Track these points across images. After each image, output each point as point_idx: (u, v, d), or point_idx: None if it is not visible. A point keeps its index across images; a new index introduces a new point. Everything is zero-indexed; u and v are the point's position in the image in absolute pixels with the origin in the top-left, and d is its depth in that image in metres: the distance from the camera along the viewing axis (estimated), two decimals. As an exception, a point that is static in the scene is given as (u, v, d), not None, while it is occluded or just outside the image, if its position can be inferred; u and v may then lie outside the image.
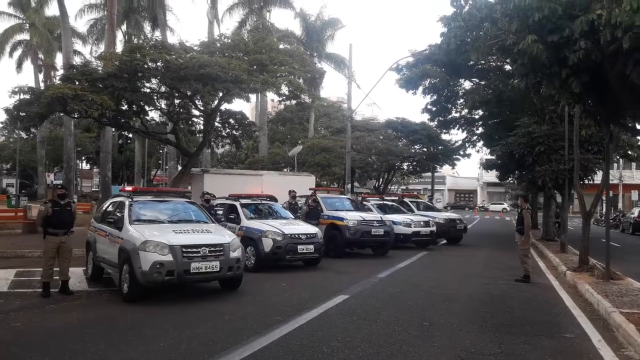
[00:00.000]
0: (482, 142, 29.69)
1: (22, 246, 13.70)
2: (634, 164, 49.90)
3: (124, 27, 36.76)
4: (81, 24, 75.88)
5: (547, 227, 21.85)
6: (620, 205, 48.71)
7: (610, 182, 11.72)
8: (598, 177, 17.93)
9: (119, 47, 27.15)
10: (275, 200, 13.82)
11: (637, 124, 10.80)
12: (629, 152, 23.35)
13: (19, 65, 45.22)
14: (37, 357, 5.22)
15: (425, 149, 38.06)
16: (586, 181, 17.87)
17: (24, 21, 42.15)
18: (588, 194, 14.54)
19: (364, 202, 17.77)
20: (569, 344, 6.17)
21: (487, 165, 28.13)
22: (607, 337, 6.45)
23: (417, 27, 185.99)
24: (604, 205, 23.44)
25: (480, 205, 70.52)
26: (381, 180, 40.39)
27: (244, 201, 12.91)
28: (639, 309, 7.54)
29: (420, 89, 23.81)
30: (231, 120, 22.01)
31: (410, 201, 20.69)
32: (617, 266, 11.50)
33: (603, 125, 10.39)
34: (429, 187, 50.65)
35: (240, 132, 22.44)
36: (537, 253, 16.67)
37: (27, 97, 17.28)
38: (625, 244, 21.42)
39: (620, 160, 35.47)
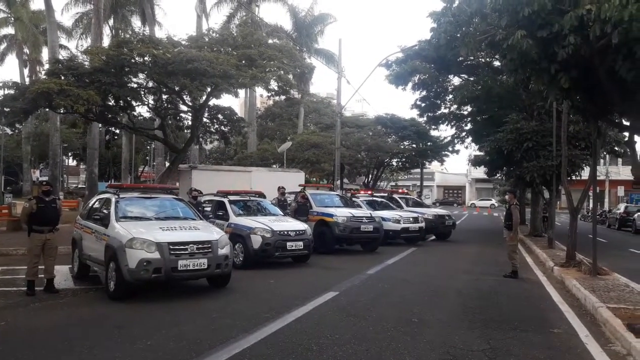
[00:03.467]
0: (470, 138, 29.80)
1: (6, 244, 13.49)
2: (620, 160, 50.39)
3: (111, 22, 36.31)
4: (67, 18, 75.12)
5: (535, 222, 22.01)
6: (606, 200, 49.20)
7: (597, 178, 11.77)
8: (585, 173, 18.05)
9: (106, 42, 26.83)
10: (264, 196, 13.75)
11: (624, 120, 10.87)
12: (616, 148, 23.56)
13: (2, 59, 44.62)
14: (21, 356, 5.12)
15: (414, 145, 38.16)
16: (573, 177, 18.01)
17: (10, 15, 41.50)
18: (575, 190, 14.65)
19: (353, 199, 17.75)
20: (557, 339, 6.19)
21: (475, 162, 28.31)
22: (595, 332, 6.48)
23: (406, 22, 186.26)
24: (591, 201, 23.66)
25: (471, 203, 70.82)
26: (370, 176, 40.41)
27: (232, 198, 12.82)
28: (625, 304, 7.60)
29: (410, 84, 23.85)
30: (220, 116, 21.88)
31: (399, 197, 20.72)
32: (604, 261, 11.59)
33: (591, 121, 10.43)
34: (418, 183, 50.78)
35: (228, 128, 22.33)
36: (525, 249, 16.77)
37: (12, 92, 17.03)
38: (611, 240, 21.66)
39: (607, 156, 35.75)
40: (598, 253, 10.61)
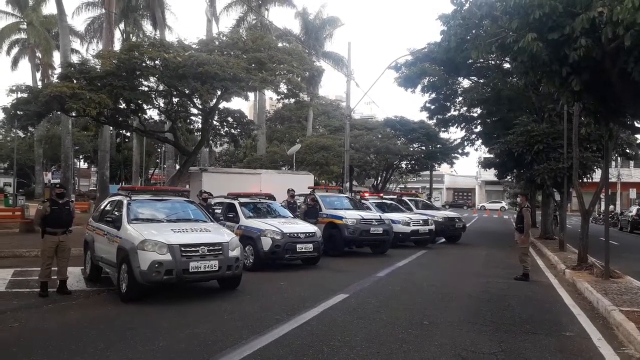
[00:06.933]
0: (480, 141, 29.69)
1: (20, 246, 13.64)
2: (632, 163, 49.97)
3: (122, 26, 36.68)
4: (79, 23, 75.89)
5: (546, 225, 21.86)
6: (618, 203, 48.79)
7: (609, 180, 11.68)
8: (597, 176, 17.93)
9: (117, 46, 27.07)
10: (274, 199, 13.79)
11: (636, 122, 10.78)
12: (628, 151, 23.38)
13: (15, 63, 45.14)
14: (35, 357, 5.18)
15: (423, 148, 38.04)
16: (585, 179, 17.88)
17: (22, 19, 42.03)
18: (587, 192, 14.54)
19: (363, 201, 17.75)
20: (569, 342, 6.15)
21: (485, 164, 28.14)
22: (607, 336, 6.44)
23: (416, 25, 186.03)
24: (603, 203, 23.48)
25: (481, 205, 70.50)
26: (380, 178, 40.35)
27: (242, 200, 12.87)
28: (638, 307, 7.53)
29: (419, 87, 23.82)
30: (229, 119, 21.98)
31: (409, 200, 20.68)
32: (616, 264, 11.48)
33: (602, 124, 10.35)
34: (428, 185, 50.61)
35: (238, 130, 22.42)
36: (535, 251, 16.67)
37: (25, 95, 17.22)
38: (623, 242, 21.44)
39: (619, 158, 35.49)
40: (610, 256, 10.53)
